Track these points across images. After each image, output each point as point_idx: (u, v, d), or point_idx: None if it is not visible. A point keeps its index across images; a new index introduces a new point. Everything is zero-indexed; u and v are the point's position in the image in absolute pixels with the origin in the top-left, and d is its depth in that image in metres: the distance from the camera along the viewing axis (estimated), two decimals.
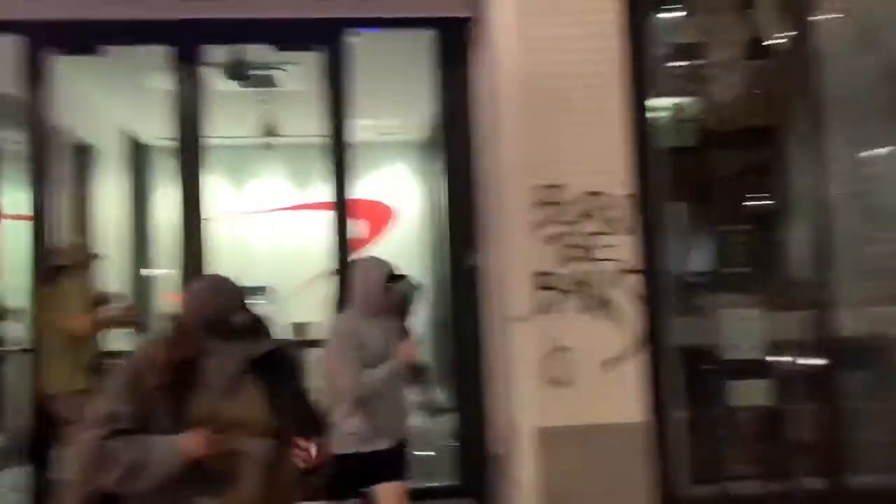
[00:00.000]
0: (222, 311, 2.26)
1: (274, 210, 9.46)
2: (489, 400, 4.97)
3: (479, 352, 5.03)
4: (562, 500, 4.21)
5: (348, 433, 3.50)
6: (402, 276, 3.86)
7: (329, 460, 2.30)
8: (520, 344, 4.39)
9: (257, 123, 7.75)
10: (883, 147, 5.02)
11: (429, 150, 8.48)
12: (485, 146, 4.97)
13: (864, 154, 4.96)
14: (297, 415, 2.32)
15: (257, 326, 2.36)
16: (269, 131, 7.87)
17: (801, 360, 4.65)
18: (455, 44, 5.10)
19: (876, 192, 4.94)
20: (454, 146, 5.19)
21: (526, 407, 4.35)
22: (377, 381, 3.53)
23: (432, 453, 5.43)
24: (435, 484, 4.97)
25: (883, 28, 4.93)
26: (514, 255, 4.42)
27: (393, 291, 3.73)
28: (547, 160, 4.34)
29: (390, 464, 3.63)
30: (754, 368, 4.55)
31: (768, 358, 4.59)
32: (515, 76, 4.40)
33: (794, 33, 4.78)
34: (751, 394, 4.52)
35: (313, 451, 2.23)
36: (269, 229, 9.33)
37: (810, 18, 4.75)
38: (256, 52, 5.85)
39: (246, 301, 2.38)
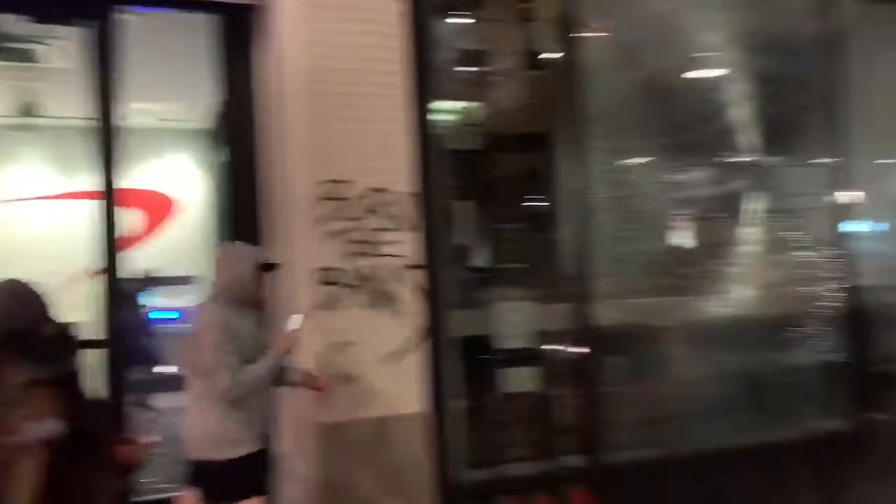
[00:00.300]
0: (22, 321, 2.00)
1: (34, 198, 8.55)
2: (273, 398, 4.86)
3: (266, 349, 4.90)
4: (345, 495, 4.23)
5: (219, 436, 3.30)
6: (274, 265, 3.68)
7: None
8: (303, 340, 4.34)
9: (14, 102, 6.97)
10: (637, 157, 5.59)
11: (213, 140, 8.10)
12: (269, 138, 4.85)
13: (620, 163, 5.45)
14: (101, 418, 2.16)
15: (65, 338, 2.12)
16: (29, 111, 7.10)
17: (566, 349, 5.05)
18: (239, 30, 4.90)
19: (631, 197, 5.46)
20: (238, 136, 4.98)
21: (309, 404, 4.31)
22: (257, 378, 3.32)
23: None
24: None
25: (641, 48, 5.46)
26: (298, 250, 4.36)
27: (265, 280, 3.52)
28: (332, 155, 4.34)
29: (256, 471, 3.43)
30: (525, 357, 4.87)
31: (537, 347, 4.92)
32: (300, 68, 4.34)
33: (564, 48, 5.15)
34: (522, 381, 4.84)
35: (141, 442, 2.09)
36: (27, 219, 8.41)
37: (578, 35, 5.16)
38: (13, 24, 5.25)
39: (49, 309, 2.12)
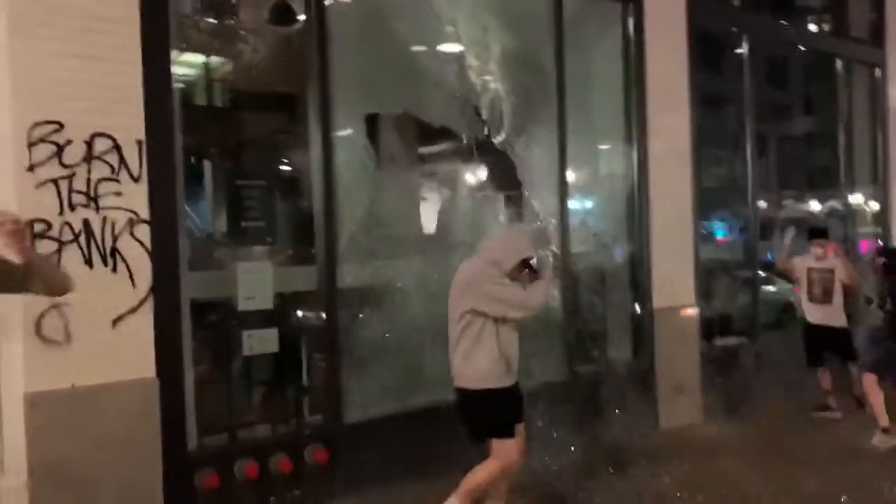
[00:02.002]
0: None
1: None
2: None
3: None
4: (60, 469, 3.83)
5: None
6: None
7: None
8: (5, 301, 3.82)
9: None
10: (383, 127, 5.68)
11: None
12: None
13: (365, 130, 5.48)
14: None
15: None
16: None
17: (308, 311, 5.03)
18: None
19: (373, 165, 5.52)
20: None
21: (13, 370, 3.83)
22: None
23: None
24: None
25: (389, 17, 5.51)
26: (7, 200, 3.82)
27: None
28: (50, 95, 3.86)
29: None
30: (266, 319, 4.75)
31: (279, 309, 4.83)
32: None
33: (312, 7, 5.04)
34: (263, 343, 4.71)
35: None
36: None
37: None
38: None
39: None
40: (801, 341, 7.03)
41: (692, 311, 6.82)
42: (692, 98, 6.93)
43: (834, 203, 9.32)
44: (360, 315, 5.18)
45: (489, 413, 4.07)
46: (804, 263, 7.00)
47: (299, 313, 5.07)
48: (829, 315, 6.83)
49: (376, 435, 4.97)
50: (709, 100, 8.00)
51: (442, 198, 6.02)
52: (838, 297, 6.84)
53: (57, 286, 2.77)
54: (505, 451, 4.04)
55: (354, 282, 5.12)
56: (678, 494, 4.90)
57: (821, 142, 9.94)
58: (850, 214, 9.19)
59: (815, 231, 7.17)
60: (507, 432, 4.05)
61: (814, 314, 6.95)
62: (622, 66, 6.63)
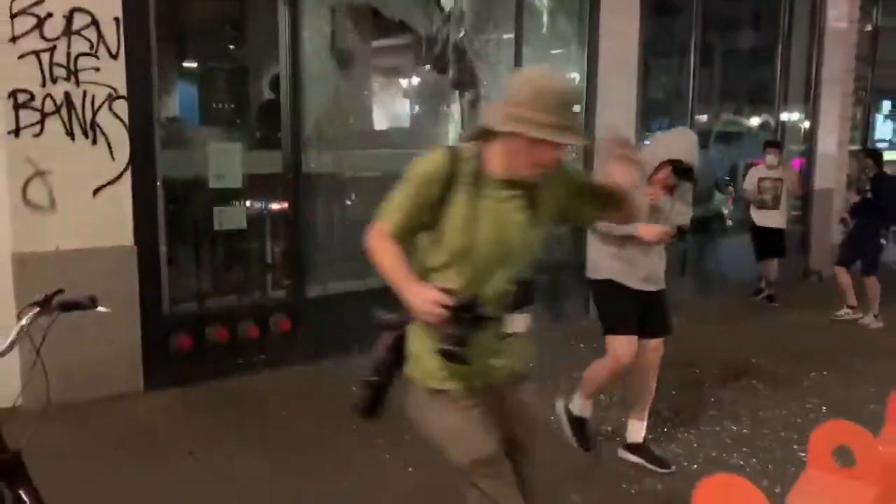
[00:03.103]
0: None
1: None
2: None
3: None
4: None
5: None
6: None
7: None
8: None
9: None
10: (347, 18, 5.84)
11: None
12: None
13: (332, 18, 5.67)
14: None
15: None
16: None
17: (274, 192, 5.33)
18: None
19: (341, 55, 5.73)
20: None
21: (1, 233, 4.10)
22: None
23: None
24: None
25: None
26: None
27: None
28: None
29: None
30: (233, 197, 5.06)
31: (247, 188, 5.13)
32: None
33: None
34: (231, 220, 5.03)
35: None
36: None
37: None
38: None
39: None
40: (751, 240, 8.06)
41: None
42: (642, 7, 7.22)
43: (768, 118, 9.87)
44: (322, 198, 5.52)
45: (597, 303, 3.87)
46: (756, 174, 7.93)
47: (266, 194, 5.36)
48: (775, 218, 7.83)
49: (334, 308, 5.41)
50: (659, 9, 8.25)
51: (398, 92, 6.28)
52: (783, 203, 7.83)
53: (633, 214, 2.48)
54: (610, 349, 3.69)
55: (317, 168, 5.43)
56: None
57: (762, 58, 10.33)
58: (783, 131, 9.76)
59: (770, 142, 8.14)
60: (612, 329, 3.67)
61: (762, 218, 7.90)
62: None
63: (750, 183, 7.98)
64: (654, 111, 8.62)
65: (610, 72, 6.98)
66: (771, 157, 7.78)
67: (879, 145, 11.60)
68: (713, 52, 9.93)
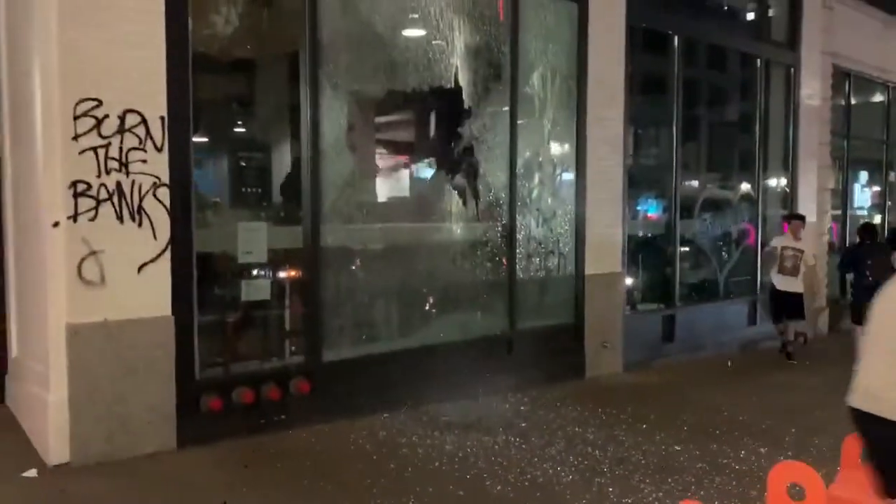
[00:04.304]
0: None
1: None
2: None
3: None
4: (95, 387, 4.66)
5: None
6: None
7: None
8: (54, 247, 4.61)
9: None
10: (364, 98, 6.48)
11: None
12: (23, 53, 4.92)
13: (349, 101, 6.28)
14: None
15: None
16: None
17: (295, 264, 5.87)
18: None
19: (356, 136, 6.35)
20: None
21: (58, 306, 4.62)
22: None
23: None
24: None
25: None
26: (53, 164, 4.60)
27: None
28: (90, 76, 4.60)
29: None
30: (259, 270, 5.60)
31: (270, 262, 5.67)
32: None
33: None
34: (256, 291, 5.57)
35: None
36: None
37: None
38: None
39: None
40: (770, 302, 9.03)
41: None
42: (627, 90, 7.90)
43: (748, 186, 10.51)
44: (339, 269, 6.06)
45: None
46: (779, 242, 8.94)
47: (287, 267, 5.90)
48: (793, 284, 8.73)
49: (349, 372, 5.89)
50: (645, 89, 8.96)
51: (405, 171, 6.89)
52: (801, 270, 8.79)
53: None
54: None
55: (334, 241, 5.98)
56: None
57: (743, 131, 11.03)
58: (765, 197, 10.39)
59: (795, 215, 9.26)
60: None
61: (781, 283, 8.78)
62: (566, 61, 7.55)
63: (773, 249, 8.94)
64: (642, 184, 9.24)
65: (597, 150, 7.61)
66: (797, 230, 8.83)
67: (858, 212, 12.26)
68: (699, 126, 10.63)
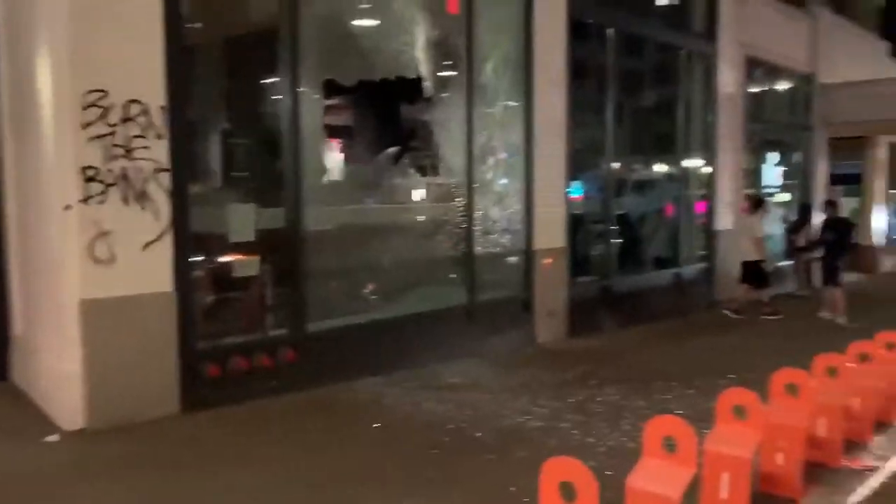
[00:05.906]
0: None
1: None
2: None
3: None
4: (104, 358, 5.03)
5: None
6: None
7: None
8: (67, 229, 4.95)
9: None
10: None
11: None
12: (28, 47, 5.17)
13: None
14: None
15: None
16: None
17: (281, 243, 6.31)
18: None
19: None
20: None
21: (72, 283, 4.96)
22: None
23: None
24: None
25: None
26: (64, 151, 4.93)
27: None
28: (97, 68, 4.93)
29: None
30: (248, 249, 6.04)
31: (260, 241, 6.10)
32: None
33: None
34: (246, 268, 6.01)
35: None
36: None
37: None
38: None
39: None
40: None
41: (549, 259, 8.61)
42: (568, 79, 8.60)
43: (672, 167, 11.45)
44: (322, 249, 6.54)
45: None
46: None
47: (273, 245, 6.32)
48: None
49: (331, 342, 6.40)
50: (583, 78, 9.66)
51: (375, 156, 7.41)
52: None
53: None
54: None
55: (314, 222, 6.44)
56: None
57: (666, 115, 11.92)
58: (686, 178, 11.36)
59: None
60: None
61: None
62: (515, 52, 8.16)
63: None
64: (580, 163, 9.96)
65: (543, 133, 8.29)
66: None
67: (766, 190, 13.46)
68: (627, 112, 11.43)
